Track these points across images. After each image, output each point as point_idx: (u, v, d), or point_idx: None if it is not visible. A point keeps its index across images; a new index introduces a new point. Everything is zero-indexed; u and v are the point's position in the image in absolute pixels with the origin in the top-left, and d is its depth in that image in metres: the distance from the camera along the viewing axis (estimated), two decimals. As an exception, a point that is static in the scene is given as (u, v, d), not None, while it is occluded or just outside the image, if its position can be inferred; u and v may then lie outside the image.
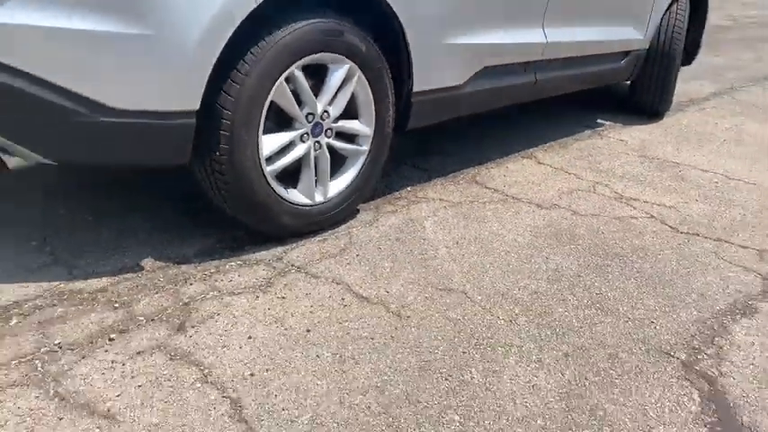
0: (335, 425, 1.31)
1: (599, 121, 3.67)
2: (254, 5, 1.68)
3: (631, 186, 2.72)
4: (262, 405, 1.35)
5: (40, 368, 1.42)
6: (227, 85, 1.72)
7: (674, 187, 2.75)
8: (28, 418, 1.27)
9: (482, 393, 1.43)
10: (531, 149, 3.09)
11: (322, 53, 1.89)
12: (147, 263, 1.87)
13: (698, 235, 2.31)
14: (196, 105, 1.67)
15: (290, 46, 1.80)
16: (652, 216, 2.44)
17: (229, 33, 1.65)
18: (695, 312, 1.82)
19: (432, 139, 3.04)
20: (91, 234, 2.00)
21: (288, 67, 1.82)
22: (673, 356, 1.61)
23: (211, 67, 1.65)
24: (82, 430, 1.25)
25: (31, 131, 1.59)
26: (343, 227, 2.16)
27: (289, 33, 1.79)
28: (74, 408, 1.31)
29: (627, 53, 3.38)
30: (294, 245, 2.02)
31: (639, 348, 1.63)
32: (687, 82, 4.80)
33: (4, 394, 1.33)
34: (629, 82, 3.74)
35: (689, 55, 4.09)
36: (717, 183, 2.84)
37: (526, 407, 1.40)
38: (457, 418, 1.36)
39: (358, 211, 2.27)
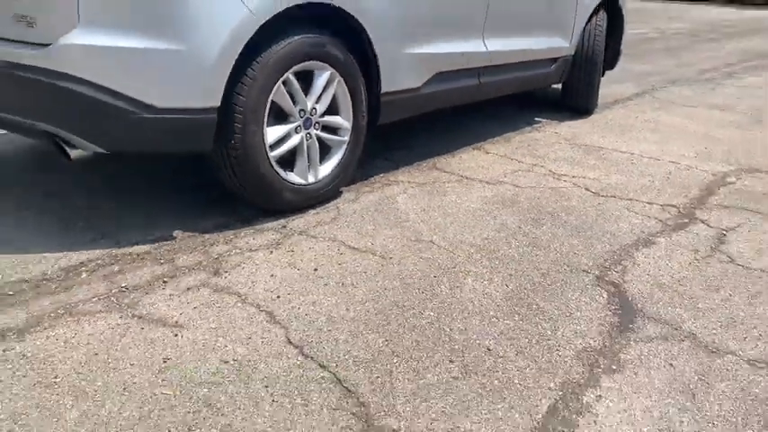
0: (344, 321, 1.80)
1: (537, 118, 4.27)
2: (259, 26, 2.19)
3: (563, 166, 3.30)
4: (289, 314, 1.83)
5: (115, 302, 1.88)
6: (240, 87, 2.22)
7: (597, 165, 3.34)
8: (119, 329, 1.73)
9: (449, 299, 1.95)
10: (480, 143, 3.65)
11: (310, 61, 2.42)
12: (178, 234, 2.33)
13: (614, 197, 2.89)
14: (217, 103, 2.17)
15: (285, 56, 2.31)
16: (578, 186, 3.01)
17: (241, 47, 2.16)
18: (608, 246, 2.37)
19: (398, 136, 3.57)
20: (126, 216, 2.45)
21: (284, 73, 2.33)
22: (589, 273, 2.16)
23: (228, 74, 2.16)
24: (161, 334, 1.72)
25: (90, 127, 2.07)
26: (332, 203, 2.66)
27: (284, 47, 2.30)
28: (149, 322, 1.77)
29: (556, 59, 4.00)
30: (294, 217, 2.51)
31: (565, 269, 2.18)
32: (614, 85, 5.47)
33: (96, 317, 1.79)
34: (560, 84, 4.36)
35: (611, 60, 4.74)
36: (632, 160, 3.44)
37: (482, 305, 1.92)
38: (432, 314, 1.87)
39: (341, 192, 2.77)
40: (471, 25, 3.22)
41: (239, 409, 1.45)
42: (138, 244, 2.24)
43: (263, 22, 2.19)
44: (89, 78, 1.97)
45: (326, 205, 2.64)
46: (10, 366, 1.56)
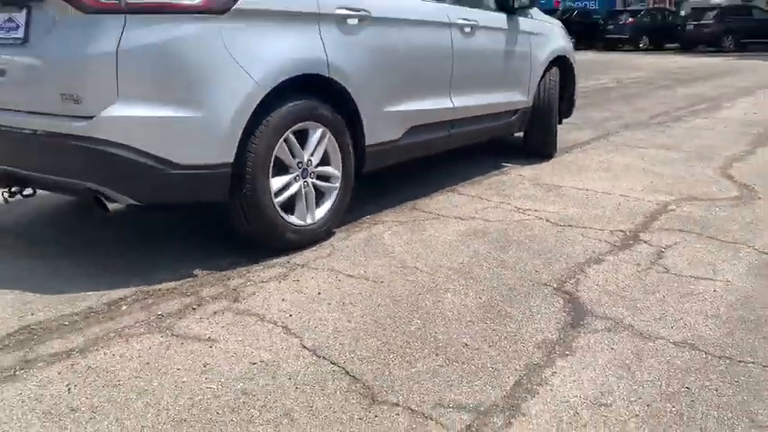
0: (347, 330, 2.20)
1: (503, 163, 4.76)
2: (263, 95, 2.65)
3: (526, 202, 3.76)
4: (301, 327, 2.22)
5: (155, 325, 2.25)
6: (249, 145, 2.66)
7: (556, 201, 3.80)
8: (162, 345, 2.11)
9: (433, 310, 2.35)
10: (453, 186, 4.11)
11: (305, 121, 2.87)
12: (199, 272, 2.72)
13: (570, 226, 3.34)
14: (231, 159, 2.60)
15: (285, 118, 2.77)
16: (540, 218, 3.46)
17: (250, 113, 2.61)
18: (564, 264, 2.81)
19: (381, 183, 4.01)
20: (154, 259, 2.84)
21: (285, 132, 2.78)
22: (548, 285, 2.58)
23: (240, 135, 2.60)
24: (197, 346, 2.09)
25: (126, 183, 2.49)
26: (327, 241, 3.08)
27: (285, 110, 2.76)
28: (186, 339, 2.15)
29: (516, 111, 4.52)
30: (296, 254, 2.91)
31: (528, 283, 2.60)
32: (574, 132, 6.03)
33: (142, 338, 2.16)
34: (522, 133, 4.88)
35: (567, 110, 5.29)
36: (587, 196, 3.91)
37: (459, 313, 2.33)
38: (419, 322, 2.27)
39: (335, 232, 3.19)
40: (439, 86, 3.72)
41: (270, 394, 1.83)
42: (165, 281, 2.62)
43: (268, 91, 2.65)
44: (125, 142, 2.41)
45: (323, 243, 3.05)
46: (80, 375, 1.93)
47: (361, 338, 2.15)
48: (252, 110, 2.61)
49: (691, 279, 2.66)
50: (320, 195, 3.07)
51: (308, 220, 2.98)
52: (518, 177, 4.37)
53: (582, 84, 10.48)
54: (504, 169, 4.61)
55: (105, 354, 2.05)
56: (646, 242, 3.09)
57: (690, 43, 23.16)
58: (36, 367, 1.98)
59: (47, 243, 3.11)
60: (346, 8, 3.02)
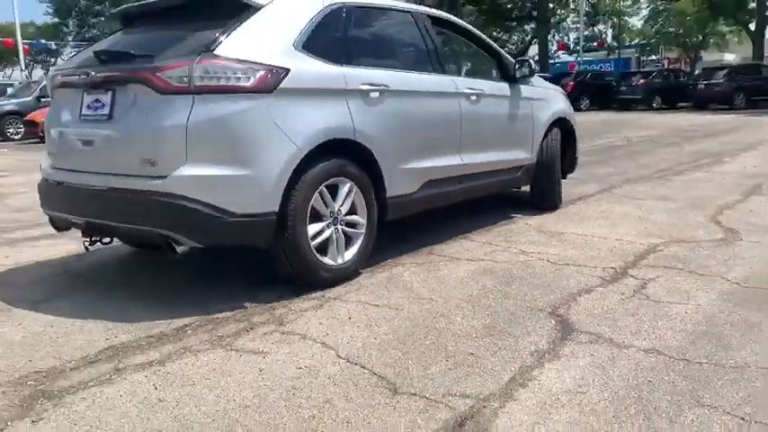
0: (374, 345, 2.68)
1: (512, 214, 5.26)
2: (302, 157, 3.22)
3: (530, 246, 4.24)
4: (336, 342, 2.71)
5: (217, 343, 2.75)
6: (291, 197, 3.21)
7: (557, 245, 4.28)
8: (225, 357, 2.60)
9: (445, 329, 2.83)
10: (466, 234, 4.61)
11: (336, 177, 3.43)
12: (248, 304, 3.23)
13: (568, 265, 3.81)
14: (276, 209, 3.15)
15: (319, 175, 3.33)
16: (541, 259, 3.94)
17: (291, 172, 3.17)
18: (559, 294, 3.27)
19: (400, 231, 4.53)
20: (210, 294, 3.36)
21: (319, 186, 3.34)
22: (543, 310, 3.05)
23: (283, 189, 3.16)
24: (253, 357, 2.58)
25: (191, 229, 3.04)
26: (354, 280, 3.58)
27: (319, 168, 3.32)
28: (243, 352, 2.64)
29: (521, 167, 5.06)
30: (329, 290, 3.41)
31: (527, 309, 3.06)
32: (580, 186, 6.53)
33: (207, 353, 2.66)
34: (529, 187, 5.40)
35: (570, 166, 5.81)
36: (586, 240, 4.39)
37: (467, 331, 2.80)
38: (433, 337, 2.74)
39: (360, 272, 3.69)
40: (449, 146, 4.28)
41: (314, 388, 2.31)
42: (222, 312, 3.13)
43: (306, 153, 3.23)
44: (192, 196, 2.97)
45: (351, 281, 3.55)
46: (162, 377, 2.43)
47: (385, 350, 2.62)
48: (293, 169, 3.18)
49: (667, 303, 3.10)
50: (348, 240, 3.59)
51: (339, 261, 3.50)
52: (525, 226, 4.87)
53: (590, 143, 11.10)
54: (513, 219, 5.11)
55: (179, 364, 2.55)
56: (632, 276, 3.55)
57: (702, 102, 23.77)
58: (126, 373, 2.49)
59: (117, 285, 3.66)
60: (369, 84, 3.63)
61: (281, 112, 3.17)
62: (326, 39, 3.53)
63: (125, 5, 3.99)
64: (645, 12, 45.88)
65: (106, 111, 3.23)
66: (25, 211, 6.35)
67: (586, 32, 38.38)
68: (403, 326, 2.89)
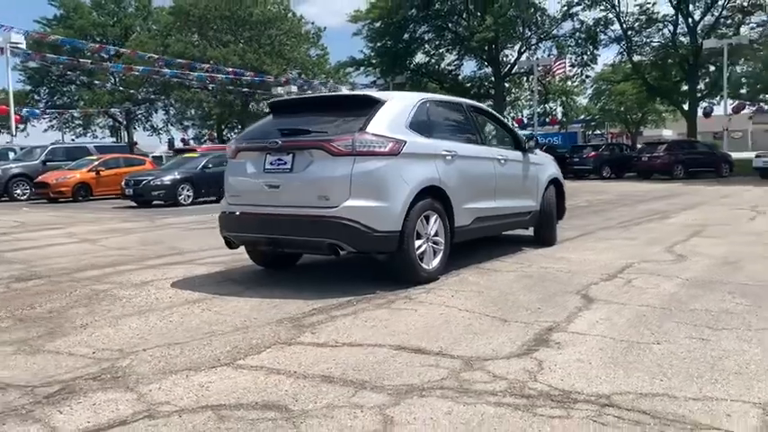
0: (478, 304, 4.44)
1: (523, 248, 7.13)
2: (413, 197, 5.03)
3: (547, 264, 6.08)
4: (455, 305, 4.45)
5: (380, 306, 4.45)
6: (406, 222, 4.99)
7: (564, 264, 6.13)
8: (392, 312, 4.32)
9: (515, 300, 4.62)
10: (495, 258, 6.43)
11: (428, 210, 5.24)
12: (378, 291, 4.94)
13: (578, 273, 5.65)
14: (399, 229, 4.93)
15: (421, 208, 5.13)
16: (558, 271, 5.78)
17: (408, 206, 4.98)
18: (578, 286, 5.09)
19: (457, 255, 6.31)
20: (330, 290, 5.05)
21: (420, 215, 5.14)
22: (572, 292, 4.86)
23: (403, 217, 4.95)
24: (410, 313, 4.31)
25: (352, 240, 4.80)
26: (438, 280, 5.33)
27: (420, 204, 5.13)
28: (401, 310, 4.36)
29: (530, 212, 6.97)
30: (424, 286, 5.16)
31: (562, 292, 4.87)
32: (566, 232, 8.48)
33: (377, 310, 4.37)
34: (533, 229, 7.30)
35: (561, 214, 7.77)
36: (583, 261, 6.26)
37: (530, 300, 4.59)
38: (511, 302, 4.52)
39: (438, 277, 5.45)
40: (489, 193, 6.17)
41: (457, 321, 4.04)
42: (365, 294, 4.83)
43: (415, 194, 5.05)
44: (353, 218, 4.74)
45: (436, 281, 5.31)
46: (363, 318, 4.13)
47: (487, 307, 4.38)
48: (408, 204, 4.99)
49: (645, 289, 4.96)
50: (434, 253, 5.37)
51: (430, 267, 5.28)
52: (535, 254, 6.74)
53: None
54: (524, 251, 6.98)
55: (366, 314, 4.25)
56: (620, 277, 5.42)
57: (646, 172, 26.55)
58: (338, 318, 4.17)
59: (276, 283, 5.32)
60: (446, 150, 5.51)
61: (402, 167, 5.00)
62: (421, 121, 5.42)
63: (277, 99, 5.82)
64: (590, 91, 50.11)
65: (288, 166, 5.01)
66: (126, 249, 7.92)
67: (539, 109, 41.82)
68: (489, 298, 4.66)
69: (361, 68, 42.65)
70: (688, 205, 12.77)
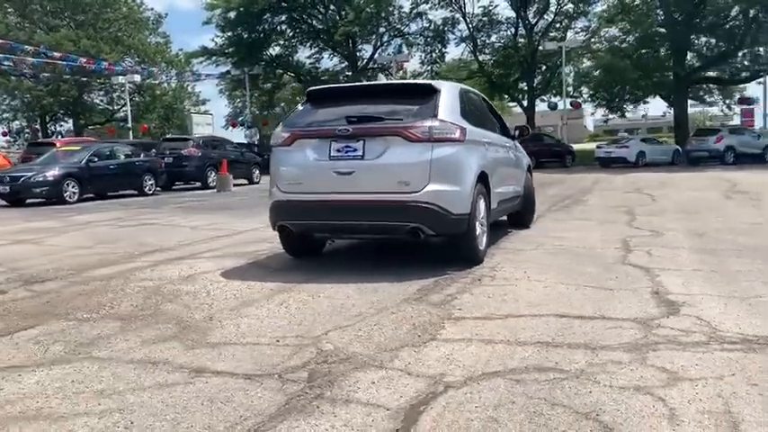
0: (552, 275, 4.86)
1: (509, 230, 7.68)
2: (476, 180, 5.32)
3: (554, 243, 6.67)
4: (537, 278, 4.84)
5: (474, 282, 4.71)
6: (472, 206, 5.28)
7: (564, 240, 6.77)
8: (488, 286, 4.60)
9: (578, 266, 5.11)
10: (501, 239, 6.91)
11: (480, 195, 5.57)
12: (450, 272, 5.17)
13: (594, 248, 6.29)
14: (468, 211, 5.20)
15: (477, 193, 5.45)
16: (574, 245, 6.37)
17: (474, 189, 5.27)
18: (612, 258, 5.72)
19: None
20: (410, 272, 5.22)
21: (478, 200, 5.45)
22: (614, 259, 5.47)
23: (471, 200, 5.23)
24: (505, 287, 4.62)
25: (432, 223, 4.99)
26: (488, 259, 5.68)
27: (477, 188, 5.44)
28: (495, 286, 4.66)
29: (519, 196, 7.54)
30: (483, 266, 5.47)
31: (611, 263, 5.46)
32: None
33: (474, 287, 4.62)
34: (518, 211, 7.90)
35: (527, 198, 8.46)
36: (581, 239, 6.93)
37: (593, 269, 5.11)
38: (579, 268, 5.00)
39: (484, 258, 5.79)
40: (505, 179, 6.62)
41: (507, 293, 4.44)
42: (446, 275, 5.04)
43: (477, 177, 5.34)
44: (433, 202, 4.94)
45: (489, 260, 5.65)
46: (474, 294, 4.37)
47: (563, 275, 4.82)
48: (474, 187, 5.28)
49: (672, 257, 5.70)
50: (482, 233, 5.72)
51: (482, 247, 5.61)
52: (529, 234, 7.32)
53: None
54: (516, 232, 7.53)
55: (471, 289, 4.49)
56: (639, 249, 6.12)
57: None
58: (453, 298, 4.37)
59: (337, 269, 5.33)
60: (486, 138, 5.88)
61: (467, 152, 5.28)
62: (466, 110, 5.71)
63: (317, 87, 5.76)
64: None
65: (359, 153, 5.05)
66: (90, 248, 7.34)
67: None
68: (561, 272, 5.10)
69: (213, 58, 41.15)
70: (583, 191, 14.23)
